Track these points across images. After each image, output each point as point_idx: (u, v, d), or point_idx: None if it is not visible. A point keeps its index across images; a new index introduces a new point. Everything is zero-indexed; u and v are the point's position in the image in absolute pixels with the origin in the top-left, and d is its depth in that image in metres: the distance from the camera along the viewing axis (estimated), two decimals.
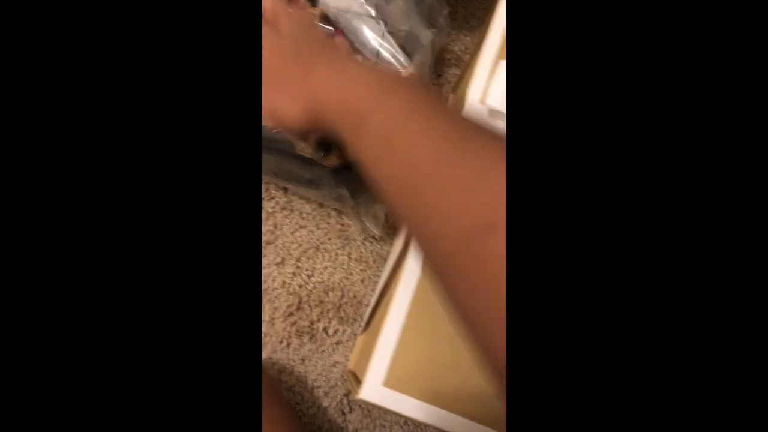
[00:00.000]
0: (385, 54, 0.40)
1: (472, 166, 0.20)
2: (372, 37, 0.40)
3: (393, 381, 0.34)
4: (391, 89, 0.25)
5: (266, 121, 0.30)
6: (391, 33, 0.41)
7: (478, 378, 0.35)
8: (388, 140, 0.23)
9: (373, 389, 0.34)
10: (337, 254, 0.46)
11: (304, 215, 0.47)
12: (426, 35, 0.43)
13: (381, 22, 0.41)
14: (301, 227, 0.46)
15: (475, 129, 0.22)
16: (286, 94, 0.29)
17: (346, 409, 0.43)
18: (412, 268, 0.37)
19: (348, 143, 0.25)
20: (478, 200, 0.20)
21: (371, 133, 0.24)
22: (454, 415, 0.35)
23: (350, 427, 0.43)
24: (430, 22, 0.45)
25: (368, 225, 0.44)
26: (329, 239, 0.46)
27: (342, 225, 0.47)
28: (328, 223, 0.47)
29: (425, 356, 0.35)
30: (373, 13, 0.40)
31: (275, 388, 0.40)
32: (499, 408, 0.27)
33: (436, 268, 0.22)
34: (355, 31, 0.40)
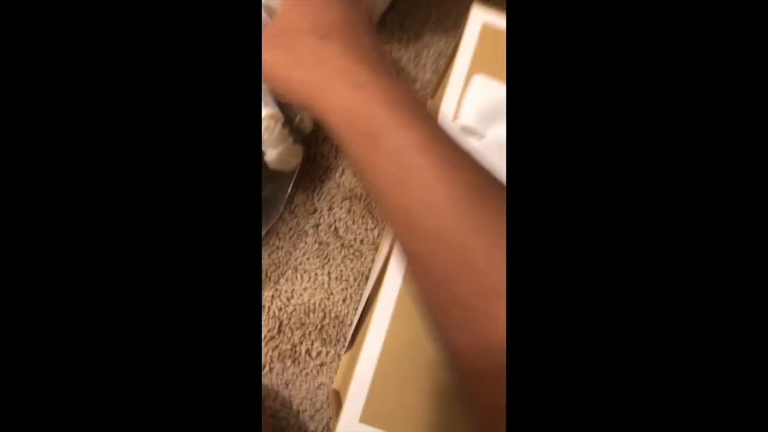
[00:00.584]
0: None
1: (483, 231, 0.21)
2: None
3: (370, 417, 0.34)
4: (411, 115, 0.24)
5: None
6: None
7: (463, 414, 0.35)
8: (404, 170, 0.23)
9: (350, 426, 0.34)
10: (316, 274, 0.45)
11: (280, 236, 0.46)
12: None
13: None
14: (277, 248, 0.46)
15: (489, 183, 0.23)
16: (290, 58, 0.26)
17: None
18: (387, 298, 0.36)
19: (353, 154, 0.25)
20: (482, 270, 0.20)
21: (386, 155, 0.23)
22: None
23: None
24: None
25: None
26: (307, 259, 0.46)
27: (320, 243, 0.46)
28: (306, 242, 0.46)
29: (406, 387, 0.34)
30: None
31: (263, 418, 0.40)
32: None
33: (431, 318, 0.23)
34: None
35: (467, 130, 0.39)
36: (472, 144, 0.36)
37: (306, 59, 0.26)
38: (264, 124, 0.37)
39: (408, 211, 0.22)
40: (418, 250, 0.22)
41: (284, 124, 0.38)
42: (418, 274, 0.23)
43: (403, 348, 0.35)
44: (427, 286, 0.23)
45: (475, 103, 0.38)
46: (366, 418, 0.33)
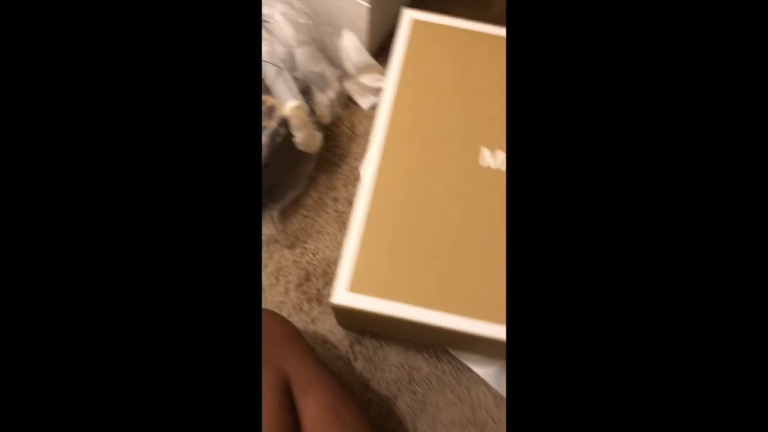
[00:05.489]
0: (279, 89, 0.50)
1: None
2: (271, 77, 0.50)
3: (359, 285, 0.41)
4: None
5: None
6: (298, 76, 0.50)
7: (448, 267, 0.41)
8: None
9: (340, 295, 0.42)
10: (336, 236, 0.57)
11: (307, 207, 0.58)
12: (332, 75, 0.53)
13: (278, 66, 0.49)
14: (305, 217, 0.58)
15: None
16: None
17: (352, 358, 0.54)
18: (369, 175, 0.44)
19: None
20: None
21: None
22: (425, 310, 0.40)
23: (356, 371, 0.53)
24: (340, 68, 0.56)
25: (270, 224, 0.55)
26: (329, 224, 0.57)
27: (338, 212, 0.58)
28: (327, 212, 0.58)
29: (393, 253, 0.41)
30: (269, 57, 0.49)
31: (299, 333, 0.50)
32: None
33: None
34: (265, 72, 0.50)
35: None
36: None
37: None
38: (294, 113, 0.49)
39: None
40: None
41: (308, 114, 0.51)
42: None
43: (387, 216, 0.42)
44: None
45: None
46: (355, 286, 0.40)
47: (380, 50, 0.66)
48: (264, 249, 0.56)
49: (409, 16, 0.51)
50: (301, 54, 0.52)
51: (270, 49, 0.50)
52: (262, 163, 0.50)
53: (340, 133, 0.61)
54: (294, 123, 0.50)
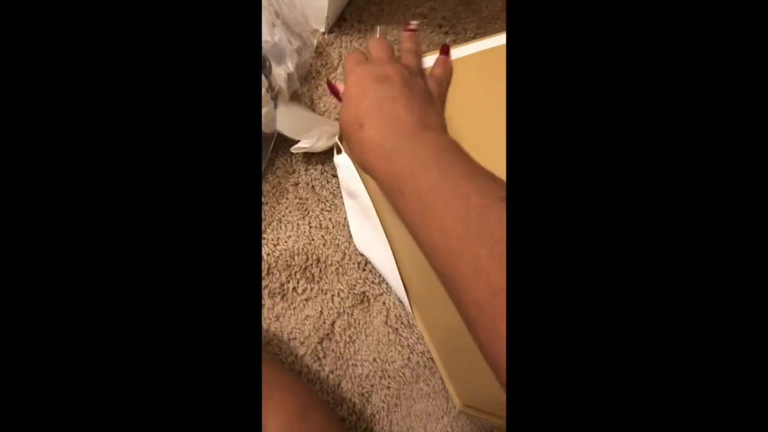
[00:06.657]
0: None
1: (486, 240, 0.26)
2: None
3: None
4: (425, 166, 0.32)
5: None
6: None
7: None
8: (421, 208, 0.31)
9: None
10: (298, 224, 0.52)
11: (265, 194, 0.53)
12: (289, 48, 0.49)
13: None
14: (263, 204, 0.52)
15: (488, 202, 0.28)
16: (349, 145, 0.37)
17: (321, 355, 0.50)
18: None
19: (392, 203, 0.34)
20: (490, 274, 0.25)
21: (409, 200, 0.32)
22: None
23: (326, 369, 0.50)
24: (298, 37, 0.51)
25: None
26: (290, 212, 0.53)
27: (300, 199, 0.53)
28: (287, 198, 0.53)
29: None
30: None
31: None
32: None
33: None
34: None
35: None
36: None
37: (355, 147, 0.37)
38: None
39: (429, 239, 0.30)
40: (442, 267, 0.29)
41: (267, 89, 0.45)
42: (445, 285, 0.29)
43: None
44: (452, 293, 0.29)
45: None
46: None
47: (340, 20, 0.61)
48: None
49: None
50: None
51: None
52: None
53: None
54: None
